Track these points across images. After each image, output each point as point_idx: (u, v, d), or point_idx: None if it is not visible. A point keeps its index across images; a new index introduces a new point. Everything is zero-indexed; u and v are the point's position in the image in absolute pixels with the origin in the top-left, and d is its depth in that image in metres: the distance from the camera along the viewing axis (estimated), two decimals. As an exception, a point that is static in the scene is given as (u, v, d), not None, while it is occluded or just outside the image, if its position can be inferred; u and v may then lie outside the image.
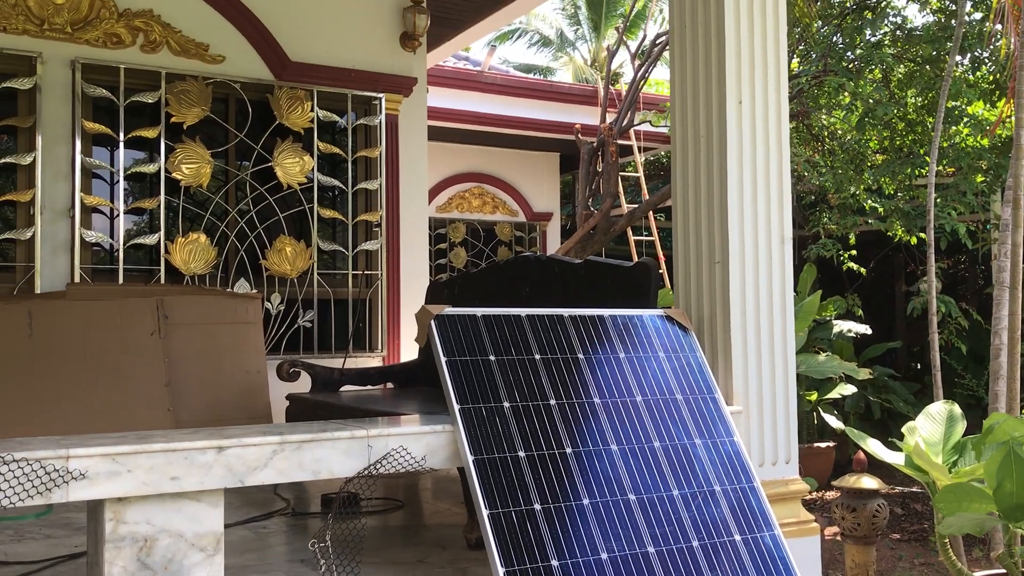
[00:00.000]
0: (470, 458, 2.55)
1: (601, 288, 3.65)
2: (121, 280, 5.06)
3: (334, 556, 2.47)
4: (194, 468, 2.28)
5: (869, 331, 9.93)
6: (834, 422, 7.21)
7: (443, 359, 2.71)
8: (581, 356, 2.94)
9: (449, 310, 2.82)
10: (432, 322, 2.77)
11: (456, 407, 2.63)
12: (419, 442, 2.57)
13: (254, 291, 5.31)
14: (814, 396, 9.49)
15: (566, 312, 3.03)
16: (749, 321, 3.25)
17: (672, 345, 3.12)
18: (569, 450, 2.70)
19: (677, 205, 3.45)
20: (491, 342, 2.83)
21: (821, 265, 12.57)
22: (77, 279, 4.95)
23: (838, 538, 5.48)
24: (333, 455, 2.45)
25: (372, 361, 5.63)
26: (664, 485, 2.76)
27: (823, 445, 9.43)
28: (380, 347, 5.66)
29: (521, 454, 2.62)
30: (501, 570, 2.38)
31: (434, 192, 11.67)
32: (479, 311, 2.89)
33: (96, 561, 2.27)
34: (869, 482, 5.21)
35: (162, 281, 5.16)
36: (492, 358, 2.79)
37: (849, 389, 9.28)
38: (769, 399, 3.26)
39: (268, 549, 3.13)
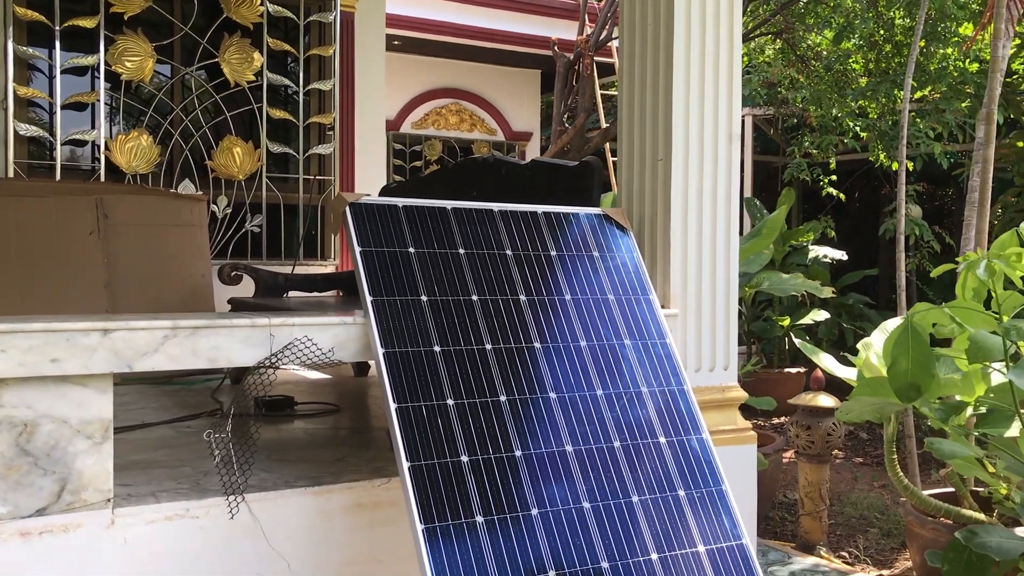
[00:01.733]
0: (380, 351, 2.42)
1: (546, 188, 3.50)
2: (59, 177, 4.87)
3: (231, 447, 2.36)
4: (77, 350, 2.15)
5: (844, 256, 9.85)
6: (803, 346, 7.15)
7: (357, 249, 2.56)
8: (509, 252, 2.80)
9: (367, 199, 2.67)
10: (347, 210, 2.62)
11: (368, 299, 2.50)
12: (327, 333, 2.44)
13: (200, 193, 5.13)
14: (786, 321, 9.44)
15: (496, 206, 2.88)
16: (691, 222, 3.11)
17: (607, 244, 2.98)
18: (489, 346, 2.58)
19: (623, 100, 3.28)
20: (412, 234, 2.69)
21: (806, 196, 12.42)
22: (11, 174, 4.75)
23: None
24: (231, 343, 2.32)
25: (324, 270, 5.49)
26: (588, 385, 2.65)
27: (794, 371, 9.41)
28: (332, 255, 5.52)
29: (437, 348, 2.50)
30: (406, 465, 2.28)
31: (410, 107, 11.40)
32: (400, 201, 2.74)
33: (-24, 447, 2.15)
34: (826, 400, 5.16)
35: (102, 179, 4.97)
36: (412, 250, 2.65)
37: (822, 315, 9.23)
38: (708, 304, 3.15)
39: (185, 447, 3.03)
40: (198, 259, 4.96)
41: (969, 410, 1.68)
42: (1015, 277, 1.44)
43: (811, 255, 9.63)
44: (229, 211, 5.29)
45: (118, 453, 2.83)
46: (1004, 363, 1.46)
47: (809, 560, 4.72)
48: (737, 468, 3.12)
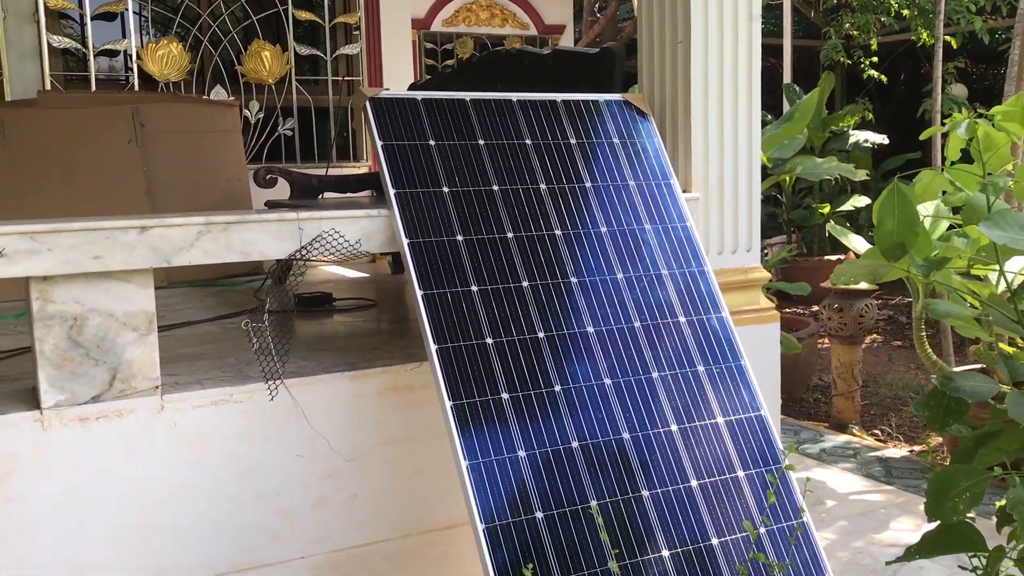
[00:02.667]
0: (405, 242, 2.52)
1: (568, 78, 3.51)
2: (94, 88, 4.97)
3: (269, 336, 2.49)
4: (117, 247, 2.27)
5: (886, 140, 9.65)
6: (832, 228, 7.11)
7: (379, 143, 2.63)
8: (529, 142, 2.84)
9: (386, 93, 2.72)
10: (367, 104, 2.67)
11: (391, 191, 2.58)
12: (353, 226, 2.53)
13: (231, 99, 5.20)
14: (826, 208, 9.35)
15: (515, 96, 2.91)
16: (712, 105, 3.11)
17: (627, 131, 3.01)
18: (510, 235, 2.66)
19: (642, -17, 3.25)
20: (432, 127, 2.74)
21: (849, 81, 12.09)
22: (48, 87, 4.86)
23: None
24: (262, 237, 2.43)
25: (357, 171, 5.56)
26: (608, 268, 2.72)
27: (833, 258, 9.36)
28: (365, 156, 5.59)
29: (459, 238, 2.59)
30: (434, 347, 2.40)
31: (439, 5, 11.21)
32: (419, 94, 2.78)
33: (32, 343, 2.31)
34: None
35: (136, 89, 5.05)
36: (432, 143, 2.71)
37: (863, 201, 9.11)
38: (731, 187, 3.18)
39: (228, 341, 3.18)
40: (233, 164, 5.06)
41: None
42: (998, 137, 1.46)
43: (851, 140, 9.45)
44: (261, 116, 5.36)
45: (166, 348, 3.00)
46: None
47: (841, 438, 4.83)
48: (759, 346, 3.20)
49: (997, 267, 1.31)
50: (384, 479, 2.68)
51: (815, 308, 8.94)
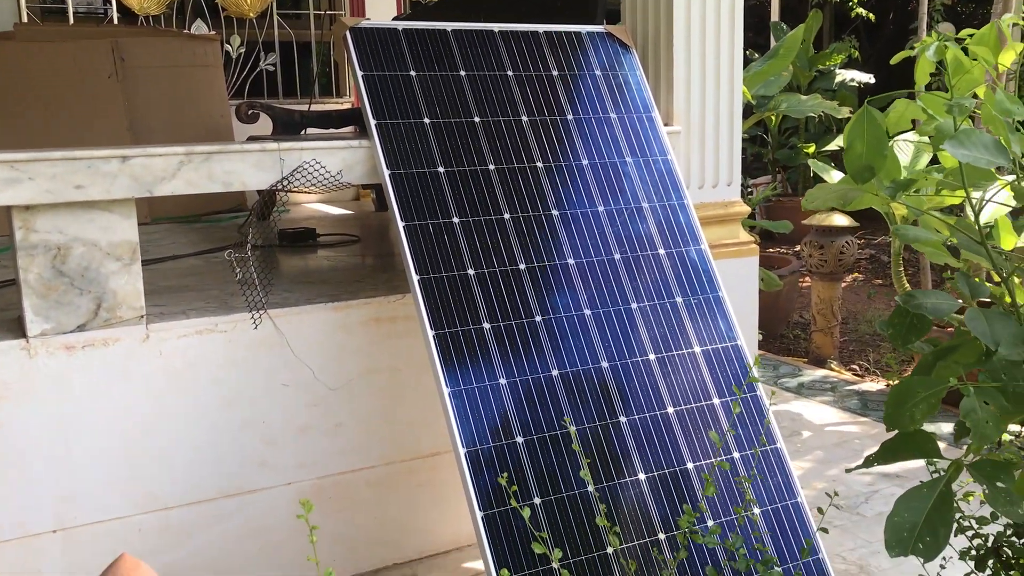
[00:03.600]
0: (386, 173, 2.53)
1: (552, 10, 3.49)
2: (72, 21, 4.89)
3: (252, 266, 2.51)
4: (99, 177, 2.27)
5: (872, 79, 9.62)
6: (814, 164, 7.16)
7: (359, 73, 2.63)
8: (510, 73, 2.84)
9: (366, 23, 2.71)
10: (347, 34, 2.66)
11: (372, 122, 2.58)
12: (334, 157, 2.54)
13: (212, 33, 5.14)
14: (811, 148, 9.35)
15: (496, 27, 2.90)
16: (694, 38, 3.11)
17: (610, 63, 3.01)
18: (492, 167, 2.68)
19: (626, -86, 3.21)
20: (412, 57, 2.73)
21: (839, 20, 11.99)
22: (24, 19, 4.78)
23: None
24: (244, 167, 2.43)
25: (340, 107, 5.52)
26: (590, 201, 2.75)
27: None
28: (348, 92, 5.54)
29: (441, 170, 2.60)
30: (416, 278, 2.43)
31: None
32: (400, 24, 2.77)
33: (16, 273, 2.32)
34: (839, 219, 5.23)
35: (115, 22, 4.98)
36: (413, 74, 2.70)
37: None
38: (712, 121, 3.19)
39: (212, 275, 3.20)
40: (215, 99, 5.02)
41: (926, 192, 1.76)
42: (968, 62, 1.48)
43: (838, 79, 9.42)
44: (243, 51, 5.30)
45: (150, 281, 3.02)
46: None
47: (819, 373, 4.92)
48: (739, 279, 3.25)
49: (964, 191, 1.35)
50: (368, 408, 2.73)
51: (798, 248, 9.01)
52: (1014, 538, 1.44)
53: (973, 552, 1.57)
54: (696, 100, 3.15)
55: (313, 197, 5.56)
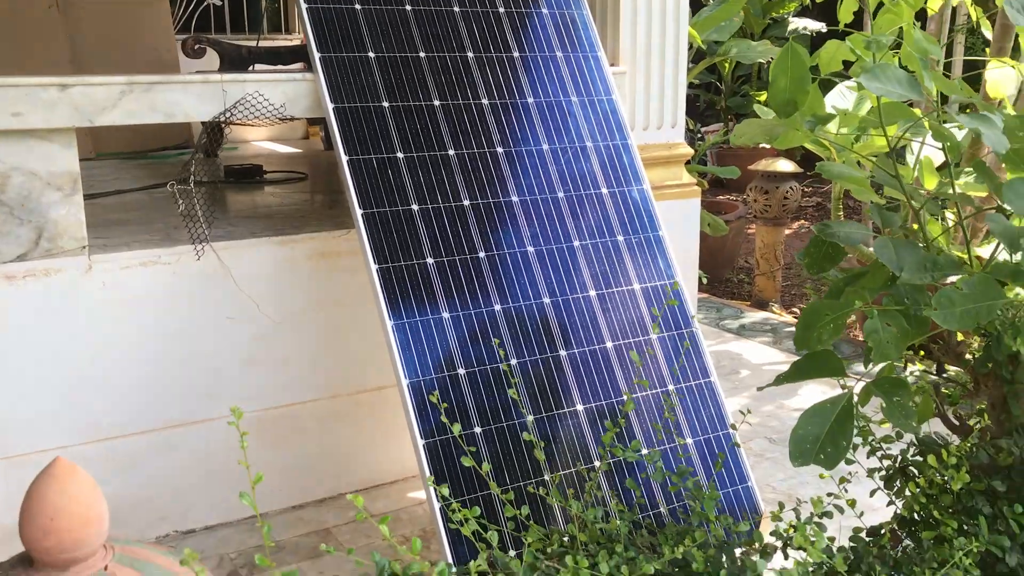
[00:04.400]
0: (330, 106, 2.53)
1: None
2: (9, -52, 4.74)
3: (195, 199, 2.52)
4: (38, 105, 2.25)
5: (824, 28, 9.69)
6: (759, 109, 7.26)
7: (303, 5, 2.61)
8: (456, 9, 2.84)
9: (312, -46, 2.68)
10: (292, -34, 2.63)
11: (316, 55, 2.58)
12: (277, 89, 2.54)
13: (157, -36, 5.01)
14: (763, 96, 9.43)
15: (443, -37, 2.88)
16: (641, -21, 3.13)
17: (557, 1, 3.02)
18: (437, 103, 2.69)
19: None
20: (359, -9, 2.72)
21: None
22: (-41, -55, 4.62)
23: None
24: (186, 99, 2.42)
25: (290, 43, 5.45)
26: (534, 139, 2.78)
27: (767, 145, 9.47)
28: (297, 29, 5.46)
29: (385, 104, 2.61)
30: (360, 212, 2.45)
31: None
32: (345, -43, 2.74)
33: (-47, 199, 2.30)
34: (784, 165, 5.32)
35: (55, -50, 4.83)
36: (358, 7, 2.69)
37: (798, 90, 9.18)
38: (657, 62, 3.22)
39: (157, 209, 3.19)
40: (161, 34, 4.92)
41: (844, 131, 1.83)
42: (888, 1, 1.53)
43: (790, 27, 9.47)
44: (188, -17, 5.19)
45: (95, 214, 3.00)
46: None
47: (760, 315, 5.05)
48: (681, 220, 3.32)
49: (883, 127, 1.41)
50: (314, 341, 2.76)
51: (745, 194, 9.13)
52: (918, 456, 1.54)
53: (882, 472, 1.67)
54: (642, 40, 3.18)
55: (262, 135, 5.50)
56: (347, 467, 2.90)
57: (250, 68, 4.69)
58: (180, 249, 2.53)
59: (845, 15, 1.57)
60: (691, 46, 5.37)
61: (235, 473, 2.73)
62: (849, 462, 1.45)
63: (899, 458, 1.61)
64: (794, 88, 1.43)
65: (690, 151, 3.34)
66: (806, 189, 8.76)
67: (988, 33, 3.78)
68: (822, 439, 1.23)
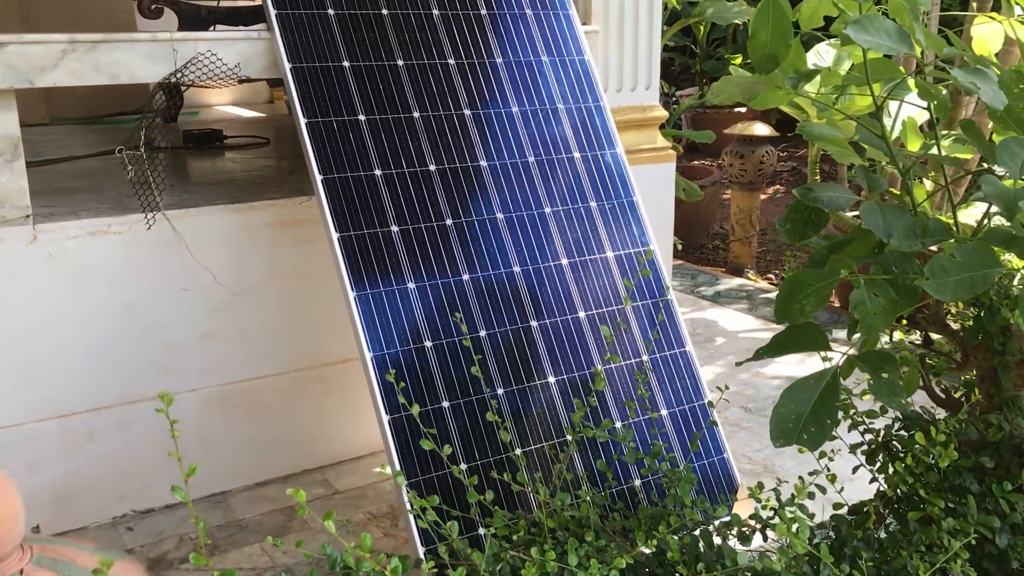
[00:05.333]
0: (287, 67, 2.41)
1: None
2: (-48, -98, 4.51)
3: (145, 165, 2.39)
4: (-29, 66, 2.11)
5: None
6: (734, 70, 7.15)
7: (259, -41, 2.47)
8: (421, -36, 2.71)
9: (266, -95, 2.53)
10: (246, -83, 2.49)
11: (272, 11, 2.44)
12: (232, 49, 2.41)
13: (111, -81, 4.80)
14: (739, 59, 9.32)
15: (406, -85, 2.74)
16: (614, -67, 3.00)
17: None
18: (401, 63, 2.57)
19: None
20: (317, -56, 2.58)
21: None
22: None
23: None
24: (132, 58, 2.29)
25: (252, 2, 5.25)
26: (504, 101, 2.67)
27: (743, 109, 9.41)
28: (261, -12, 5.26)
29: (346, 64, 2.49)
30: (319, 178, 2.34)
31: None
32: (302, -92, 2.60)
33: None
34: (761, 128, 5.24)
35: (1, -96, 4.61)
36: (317, -39, 2.55)
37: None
38: (631, 22, 3.11)
39: (108, 177, 3.05)
40: (117, -8, 4.73)
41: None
42: None
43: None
44: (145, -60, 4.97)
45: (44, 182, 2.86)
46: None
47: (736, 281, 4.99)
48: (656, 184, 3.23)
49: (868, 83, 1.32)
50: (275, 313, 2.66)
51: (721, 159, 9.05)
52: (903, 431, 1.47)
53: (864, 447, 1.60)
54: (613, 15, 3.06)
55: (224, 99, 5.33)
56: (312, 443, 2.81)
57: (210, 29, 4.51)
58: (131, 218, 2.41)
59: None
60: (665, 7, 5.24)
61: (196, 449, 2.64)
62: (832, 438, 1.37)
63: (882, 433, 1.54)
64: (775, 42, 1.34)
65: (665, 114, 3.24)
66: (782, 154, 8.70)
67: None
68: (805, 417, 1.15)
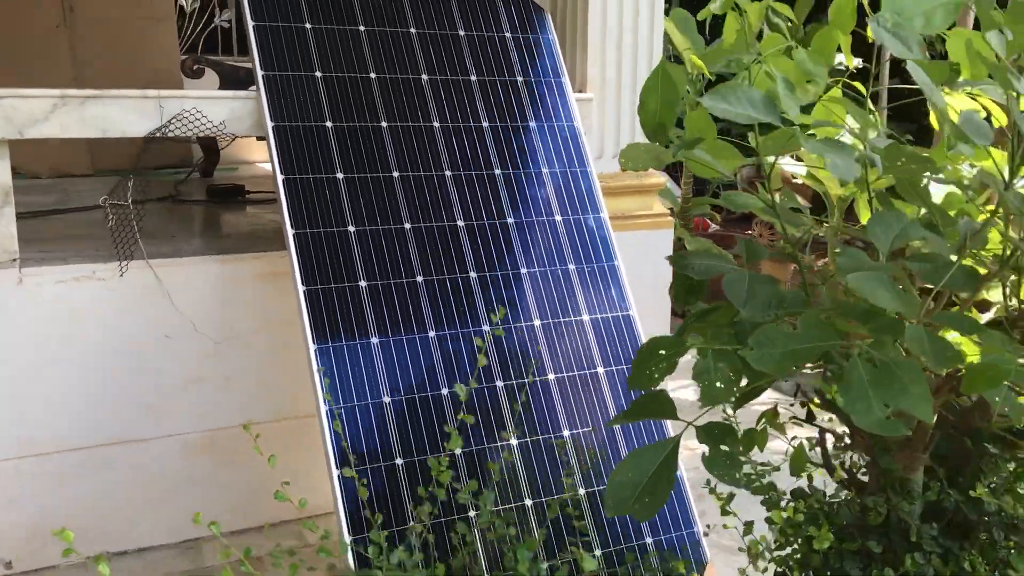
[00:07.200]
0: (269, 125, 2.50)
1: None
2: (20, -32, 4.84)
3: (131, 214, 2.49)
4: (-34, 117, 2.25)
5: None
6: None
7: (250, 23, 2.59)
8: (413, 30, 2.80)
9: (263, -28, 2.66)
10: (242, -16, 2.62)
11: (260, 73, 2.55)
12: (218, 106, 2.51)
13: (165, -15, 5.08)
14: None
15: (402, -17, 2.85)
16: (611, 4, 3.05)
17: (521, 25, 2.96)
18: (385, 124, 2.64)
19: None
20: (310, 9, 2.69)
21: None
22: (-29, -35, 4.73)
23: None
24: (120, 113, 2.40)
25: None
26: (486, 164, 2.71)
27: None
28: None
29: (329, 124, 2.57)
30: (291, 232, 2.40)
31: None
32: (299, -24, 2.72)
33: None
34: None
35: (65, -29, 4.92)
36: (308, 26, 2.66)
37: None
38: (628, 89, 3.14)
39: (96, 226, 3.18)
40: (166, 53, 4.98)
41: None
42: (752, 11, 1.43)
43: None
44: (197, 5, 5.25)
45: (55, 229, 3.00)
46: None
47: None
48: (652, 250, 3.21)
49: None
50: (260, 362, 2.71)
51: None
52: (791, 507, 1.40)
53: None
54: (611, 67, 3.10)
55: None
56: (293, 493, 2.82)
57: (249, 89, 4.71)
58: (115, 265, 2.50)
59: (729, 34, 1.48)
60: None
61: (174, 493, 2.69)
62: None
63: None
64: (665, 111, 1.34)
65: (662, 180, 3.24)
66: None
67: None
68: (641, 487, 1.12)
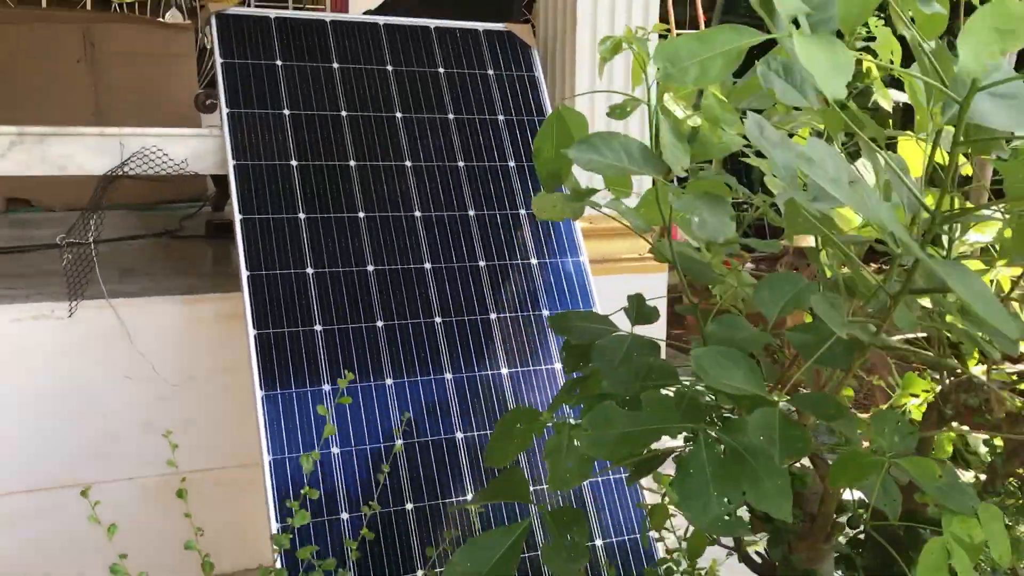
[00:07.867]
0: (231, 163, 2.44)
1: (472, 3, 3.37)
2: (44, 4, 4.94)
3: (88, 251, 2.45)
4: (-80, 154, 2.23)
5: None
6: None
7: (219, 61, 2.54)
8: (390, 68, 2.73)
9: (235, 9, 2.63)
10: (212, 19, 2.58)
11: (225, 111, 2.50)
12: (180, 144, 2.47)
13: (186, 21, 5.13)
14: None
15: (381, 19, 2.79)
16: (600, 38, 2.95)
17: (505, 63, 2.87)
18: (353, 164, 2.57)
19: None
20: (281, 47, 2.64)
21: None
22: (-4, 1, 4.84)
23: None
24: (79, 151, 2.37)
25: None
26: (460, 205, 2.62)
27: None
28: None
29: (294, 163, 2.50)
30: (245, 275, 2.33)
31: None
32: (272, 12, 2.68)
33: None
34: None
35: (88, 7, 5.01)
36: (279, 63, 2.61)
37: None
38: (619, 127, 3.02)
39: (106, 262, 3.15)
40: (185, 89, 5.01)
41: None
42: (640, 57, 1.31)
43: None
44: (218, 41, 5.29)
45: (36, 264, 2.99)
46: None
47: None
48: (644, 292, 3.07)
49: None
50: (220, 406, 2.64)
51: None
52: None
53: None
54: (600, 107, 2.99)
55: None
56: (253, 540, 2.74)
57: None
58: (75, 304, 2.46)
59: (636, 78, 1.36)
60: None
61: (132, 539, 2.61)
62: None
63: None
64: (559, 160, 1.24)
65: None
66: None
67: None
68: (482, 577, 1.00)
